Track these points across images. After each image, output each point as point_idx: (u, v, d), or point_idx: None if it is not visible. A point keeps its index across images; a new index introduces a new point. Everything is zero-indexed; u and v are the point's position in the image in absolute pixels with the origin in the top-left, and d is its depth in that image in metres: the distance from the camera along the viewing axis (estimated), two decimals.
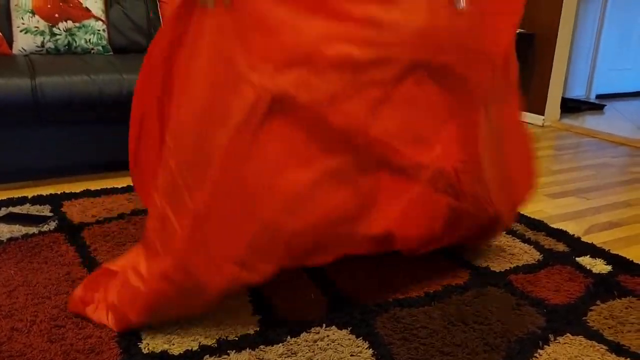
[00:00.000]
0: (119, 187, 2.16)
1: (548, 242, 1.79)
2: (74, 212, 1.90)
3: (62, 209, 1.93)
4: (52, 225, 1.79)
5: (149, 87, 1.40)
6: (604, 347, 1.26)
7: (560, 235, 1.85)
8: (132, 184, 2.20)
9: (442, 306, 1.39)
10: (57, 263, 1.53)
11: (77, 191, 2.10)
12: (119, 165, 2.43)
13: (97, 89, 2.16)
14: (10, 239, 1.67)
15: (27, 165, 2.18)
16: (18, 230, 1.73)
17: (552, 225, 1.93)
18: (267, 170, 1.14)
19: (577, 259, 1.67)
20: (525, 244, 1.77)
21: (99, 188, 2.14)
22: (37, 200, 1.99)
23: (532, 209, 2.13)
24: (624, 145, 3.24)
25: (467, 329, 1.31)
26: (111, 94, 2.19)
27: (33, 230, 1.74)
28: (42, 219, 1.81)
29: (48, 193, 2.06)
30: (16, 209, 1.90)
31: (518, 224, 1.93)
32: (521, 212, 2.04)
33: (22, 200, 1.98)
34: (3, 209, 1.90)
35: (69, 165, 2.25)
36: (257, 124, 1.11)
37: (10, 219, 1.81)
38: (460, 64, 1.26)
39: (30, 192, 2.08)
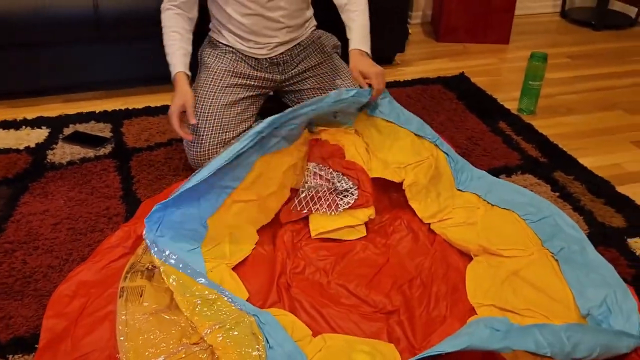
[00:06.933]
0: None
1: (603, 214, 1.59)
2: (132, 133, 2.02)
3: (121, 128, 2.05)
4: (109, 148, 1.92)
5: None
6: None
7: (623, 204, 1.62)
8: None
9: None
10: (101, 195, 1.67)
11: (140, 107, 2.21)
12: None
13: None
14: (69, 163, 1.83)
15: (96, 77, 2.31)
16: (77, 152, 1.89)
17: (619, 189, 1.69)
18: None
19: (628, 240, 1.48)
20: (576, 213, 1.59)
21: (159, 105, 2.22)
22: (102, 117, 2.13)
23: (608, 161, 1.87)
24: None
25: None
26: None
27: (90, 153, 1.89)
28: (101, 141, 1.95)
29: (112, 109, 2.19)
30: (82, 127, 2.06)
31: (579, 184, 1.72)
32: (587, 167, 1.81)
33: (89, 117, 2.13)
34: (71, 126, 2.07)
35: (133, 78, 2.36)
36: None
37: (73, 139, 1.97)
38: None
39: (98, 106, 2.22)
